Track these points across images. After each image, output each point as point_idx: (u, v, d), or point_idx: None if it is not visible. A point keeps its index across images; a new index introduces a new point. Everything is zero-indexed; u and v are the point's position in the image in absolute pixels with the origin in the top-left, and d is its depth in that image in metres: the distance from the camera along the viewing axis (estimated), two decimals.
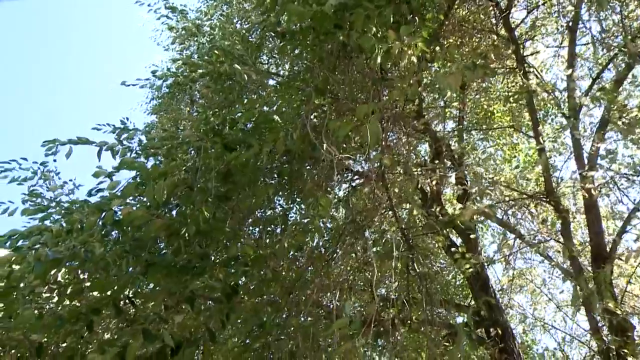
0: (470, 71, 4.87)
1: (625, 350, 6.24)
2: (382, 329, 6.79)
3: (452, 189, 7.69)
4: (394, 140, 7.33)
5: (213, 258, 5.55)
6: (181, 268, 5.26)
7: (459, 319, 7.17)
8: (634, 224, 7.09)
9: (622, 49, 7.14)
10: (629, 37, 6.98)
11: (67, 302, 4.62)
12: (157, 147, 6.43)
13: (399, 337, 7.20)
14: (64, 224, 4.71)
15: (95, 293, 4.80)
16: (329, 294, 6.36)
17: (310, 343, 6.09)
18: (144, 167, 5.82)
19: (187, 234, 5.24)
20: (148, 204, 5.42)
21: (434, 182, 7.05)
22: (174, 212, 5.60)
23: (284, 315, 6.36)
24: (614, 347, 6.50)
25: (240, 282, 5.80)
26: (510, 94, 7.29)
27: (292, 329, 6.19)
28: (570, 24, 7.58)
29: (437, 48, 5.38)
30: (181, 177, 5.61)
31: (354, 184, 6.95)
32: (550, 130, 7.90)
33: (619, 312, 6.50)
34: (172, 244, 5.41)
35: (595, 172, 7.24)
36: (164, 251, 5.47)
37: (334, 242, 6.61)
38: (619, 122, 7.09)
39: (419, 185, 7.04)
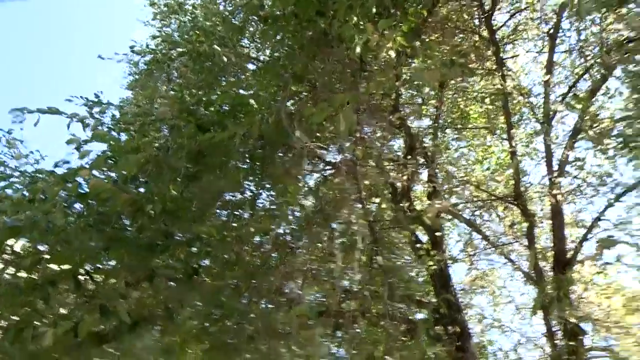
0: (447, 68, 4.88)
1: (575, 356, 6.39)
2: (342, 320, 6.83)
3: (423, 186, 7.74)
4: (369, 133, 7.34)
5: (177, 238, 5.51)
6: (144, 245, 5.21)
7: (419, 315, 7.23)
8: (595, 232, 7.24)
9: (598, 60, 7.24)
10: (605, 49, 7.06)
11: (24, 273, 4.54)
12: (130, 123, 6.35)
13: (358, 330, 7.25)
14: (26, 193, 4.62)
15: (54, 266, 4.73)
16: (291, 281, 6.35)
17: (270, 329, 6.10)
18: (117, 141, 5.75)
19: (153, 212, 5.18)
20: (116, 178, 5.35)
21: (405, 178, 7.08)
22: (141, 189, 5.53)
23: (245, 301, 6.35)
24: (565, 351, 6.65)
25: (203, 263, 5.78)
26: (486, 94, 7.35)
27: (253, 315, 6.18)
28: (551, 31, 7.65)
29: (418, 44, 5.38)
30: (152, 154, 5.54)
31: (325, 174, 6.96)
32: (523, 134, 7.98)
33: (573, 318, 6.65)
34: (137, 221, 5.35)
35: (564, 179, 7.37)
36: (129, 227, 5.41)
37: (301, 231, 6.60)
38: (590, 132, 7.21)
39: (390, 180, 7.06)
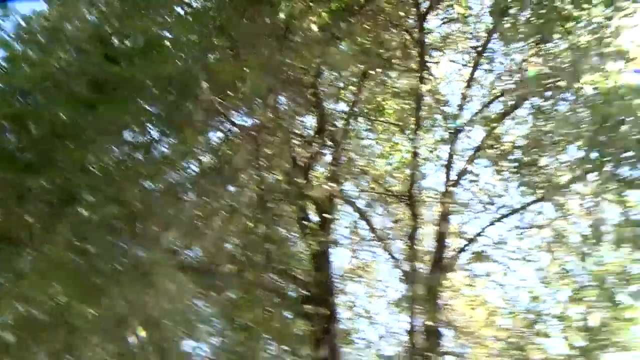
0: (366, 56, 4.93)
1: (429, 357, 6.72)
2: (216, 281, 6.83)
3: (324, 167, 7.79)
4: (283, 105, 7.31)
5: (60, 164, 5.28)
6: (23, 164, 4.98)
7: (292, 291, 7.34)
8: (473, 246, 7.65)
9: (513, 87, 7.55)
10: (522, 79, 7.37)
11: None
12: (35, 34, 6.02)
13: (232, 295, 7.29)
14: None
15: None
16: (173, 232, 6.26)
17: (140, 277, 6.00)
18: (14, 49, 5.44)
19: (38, 131, 4.95)
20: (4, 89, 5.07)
21: (308, 155, 7.13)
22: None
23: (122, 243, 6.21)
24: (422, 350, 6.99)
25: (88, 198, 5.57)
26: (403, 93, 7.47)
27: (126, 259, 6.05)
28: (479, 48, 7.89)
29: (344, 26, 5.40)
30: (51, 72, 5.27)
31: (229, 134, 6.88)
32: (431, 140, 8.18)
33: (435, 321, 7.01)
34: (21, 138, 5.11)
35: (457, 190, 7.68)
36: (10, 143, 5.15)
37: (194, 185, 6.52)
38: (490, 151, 7.54)
39: (293, 154, 7.09)
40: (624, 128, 5.95)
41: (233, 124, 6.93)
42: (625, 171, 6.87)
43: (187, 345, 7.88)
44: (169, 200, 6.20)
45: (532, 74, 6.85)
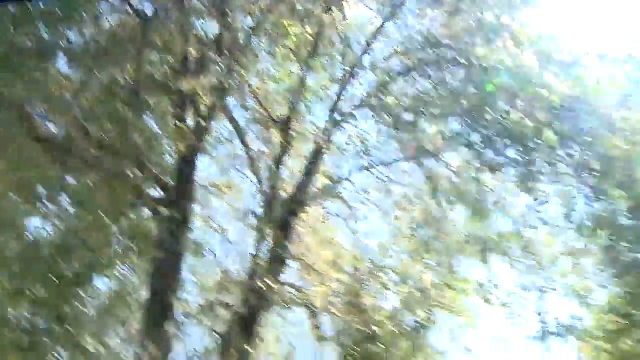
0: None
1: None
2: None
3: (215, 76, 7.53)
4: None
5: None
6: None
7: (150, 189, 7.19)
8: (336, 187, 7.91)
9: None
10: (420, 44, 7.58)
11: None
12: None
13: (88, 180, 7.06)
14: None
15: None
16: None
17: None
18: None
19: None
20: None
21: (200, 57, 6.92)
22: None
23: None
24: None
25: None
26: (304, 15, 7.33)
27: None
28: (398, 4, 7.92)
29: None
30: None
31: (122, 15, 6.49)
32: (325, 77, 8.15)
33: (282, 249, 7.24)
34: None
35: (335, 131, 7.83)
36: None
37: (70, 55, 6.14)
38: (376, 102, 7.71)
39: (185, 54, 6.83)
40: (497, 110, 6.34)
41: (130, 5, 6.54)
42: (490, 154, 7.38)
43: (31, 223, 7.60)
44: (37, 64, 5.78)
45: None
